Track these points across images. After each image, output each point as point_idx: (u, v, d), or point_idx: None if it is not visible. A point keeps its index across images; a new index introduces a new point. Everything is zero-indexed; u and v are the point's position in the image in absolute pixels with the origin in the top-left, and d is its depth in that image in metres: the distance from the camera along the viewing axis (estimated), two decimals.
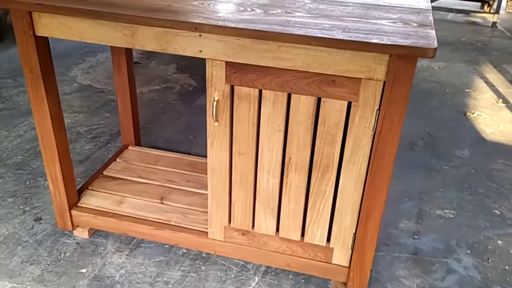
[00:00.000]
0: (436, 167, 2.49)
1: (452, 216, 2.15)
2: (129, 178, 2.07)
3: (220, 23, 1.30)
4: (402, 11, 1.48)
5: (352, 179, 1.48)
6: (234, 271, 1.80)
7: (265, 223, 1.65)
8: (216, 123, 1.50)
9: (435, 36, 1.26)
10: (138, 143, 2.33)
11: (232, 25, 1.29)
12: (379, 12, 1.46)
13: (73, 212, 1.87)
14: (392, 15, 1.44)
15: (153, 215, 1.85)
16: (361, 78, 1.31)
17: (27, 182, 2.25)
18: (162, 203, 1.92)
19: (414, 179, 2.39)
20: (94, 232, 1.95)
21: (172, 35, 1.38)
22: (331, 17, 1.38)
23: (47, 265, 1.80)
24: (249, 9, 1.42)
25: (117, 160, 2.19)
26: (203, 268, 1.81)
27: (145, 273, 1.78)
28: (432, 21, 1.40)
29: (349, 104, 1.37)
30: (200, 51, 1.38)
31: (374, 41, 1.21)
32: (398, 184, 2.32)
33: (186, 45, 1.39)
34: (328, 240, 1.63)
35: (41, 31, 1.49)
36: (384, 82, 1.29)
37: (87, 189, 1.99)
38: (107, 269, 1.79)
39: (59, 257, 1.84)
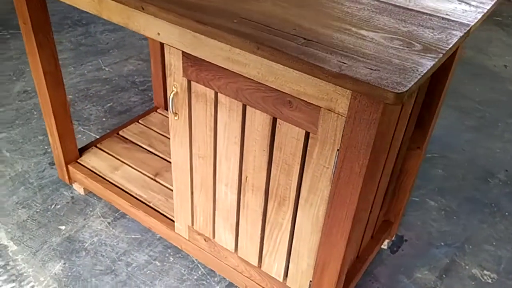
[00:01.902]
0: (505, 213, 1.99)
1: (489, 281, 1.70)
2: (139, 143, 1.99)
3: (165, 6, 1.08)
4: (423, 22, 1.09)
5: (309, 221, 1.20)
6: (199, 273, 1.65)
7: (225, 237, 1.46)
8: (175, 117, 1.31)
9: (423, 72, 0.89)
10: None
11: (179, 11, 1.06)
12: (389, 19, 1.09)
13: (70, 167, 1.86)
14: (402, 26, 1.07)
15: (138, 191, 1.76)
16: (320, 107, 1.00)
17: None
18: (154, 180, 1.81)
19: (468, 220, 1.94)
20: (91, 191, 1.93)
21: (130, 11, 1.20)
22: (316, 17, 1.07)
23: (35, 213, 1.84)
24: None
25: (139, 121, 2.13)
26: (171, 259, 1.70)
27: (114, 248, 1.72)
28: (453, 43, 1.01)
29: (308, 134, 1.07)
30: (158, 34, 1.18)
31: (326, 66, 0.89)
32: (444, 221, 1.91)
33: (145, 24, 1.20)
34: (286, 276, 1.38)
35: None
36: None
37: (95, 146, 1.96)
38: (83, 232, 1.77)
39: (49, 207, 1.86)
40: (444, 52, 0.97)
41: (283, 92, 1.04)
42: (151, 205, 1.71)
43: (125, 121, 2.34)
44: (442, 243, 1.83)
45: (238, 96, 1.13)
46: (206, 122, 1.25)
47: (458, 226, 1.91)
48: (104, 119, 2.38)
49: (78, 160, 1.89)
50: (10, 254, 1.68)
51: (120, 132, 2.05)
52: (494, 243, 1.85)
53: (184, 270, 1.66)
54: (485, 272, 1.73)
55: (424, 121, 1.45)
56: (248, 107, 1.13)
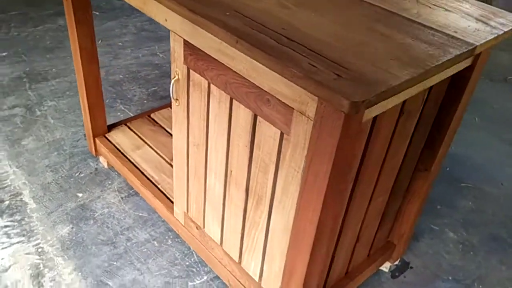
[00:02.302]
0: None
1: None
2: (165, 127, 2.06)
3: None
4: (424, 36, 1.04)
5: (281, 224, 1.18)
6: (191, 260, 1.69)
7: (213, 228, 1.48)
8: (176, 104, 1.35)
9: (390, 86, 0.85)
10: None
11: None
12: (390, 30, 1.05)
13: (97, 140, 1.97)
14: (399, 38, 1.02)
15: (151, 172, 1.83)
16: (293, 109, 0.99)
17: (107, 100, 2.45)
18: (169, 163, 1.87)
19: (486, 258, 1.80)
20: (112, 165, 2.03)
21: None
22: (313, 20, 1.06)
23: (59, 177, 1.96)
24: None
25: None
26: (169, 242, 1.75)
27: (120, 222, 1.80)
28: (443, 61, 0.95)
29: (283, 135, 1.06)
30: (166, 20, 1.23)
31: (293, 67, 0.88)
32: (459, 255, 1.79)
33: (156, 10, 1.25)
34: (262, 276, 1.38)
35: None
36: None
37: (125, 124, 2.06)
38: (97, 202, 1.87)
39: (73, 174, 1.99)
40: (427, 68, 0.92)
41: (263, 89, 1.04)
42: (159, 187, 1.77)
43: (162, 104, 2.43)
44: (450, 277, 1.72)
45: (227, 89, 1.14)
46: (200, 111, 1.28)
47: (473, 262, 1.78)
48: (145, 101, 2.48)
49: (106, 135, 1.99)
50: (28, 211, 1.81)
51: (152, 115, 2.13)
52: (509, 287, 1.71)
53: (178, 255, 1.70)
54: None
55: (434, 142, 1.37)
56: (234, 101, 1.15)
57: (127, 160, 1.88)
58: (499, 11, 1.20)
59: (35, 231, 1.74)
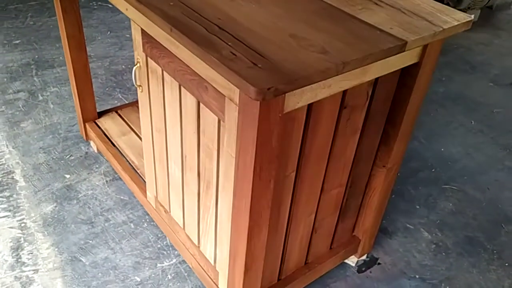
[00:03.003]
0: (505, 263, 1.81)
1: None
2: None
3: None
4: (355, 32, 1.06)
5: (226, 209, 1.23)
6: (163, 243, 1.75)
7: (176, 212, 1.54)
8: (140, 90, 1.42)
9: (299, 76, 0.89)
10: None
11: None
12: (330, 25, 1.08)
13: (87, 125, 2.06)
14: (335, 33, 1.05)
15: (133, 157, 1.91)
16: (225, 96, 1.04)
17: (106, 89, 2.55)
18: None
19: (457, 260, 1.79)
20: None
21: None
22: (257, 13, 1.10)
23: (51, 159, 2.07)
24: None
25: None
26: (145, 225, 1.82)
27: (101, 203, 1.89)
28: (365, 56, 0.98)
29: (220, 121, 1.11)
30: (127, 9, 1.29)
31: (213, 54, 0.93)
32: (430, 255, 1.79)
33: (117, 0, 1.31)
34: (216, 259, 1.43)
35: None
36: None
37: (115, 111, 2.15)
38: (82, 184, 1.97)
39: (64, 157, 2.09)
40: (345, 61, 0.95)
41: (202, 77, 1.09)
42: (138, 171, 1.85)
43: None
44: (417, 276, 1.72)
45: (176, 76, 1.20)
46: (158, 98, 1.34)
47: (443, 263, 1.78)
48: None
49: (96, 120, 2.09)
50: (17, 188, 1.92)
51: None
52: None
53: (152, 238, 1.78)
54: None
55: (389, 139, 1.39)
56: (182, 88, 1.20)
57: (111, 145, 1.96)
58: (448, 9, 1.20)
59: (21, 207, 1.85)
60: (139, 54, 1.34)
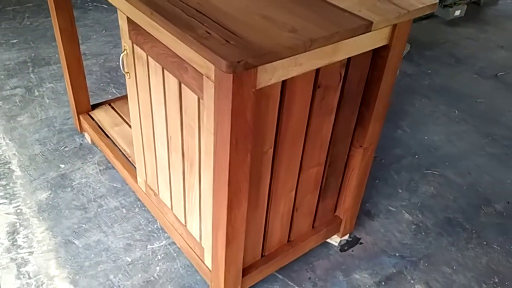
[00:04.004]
0: (483, 242, 1.88)
1: None
2: None
3: None
4: (326, 15, 1.14)
5: (208, 185, 1.31)
6: (154, 226, 1.83)
7: (165, 193, 1.61)
8: (128, 77, 1.50)
9: (267, 52, 0.97)
10: None
11: None
12: (305, 11, 1.16)
13: (81, 118, 2.14)
14: (305, 14, 1.13)
15: (125, 146, 1.98)
16: (202, 74, 1.12)
17: (101, 84, 2.63)
18: None
19: (436, 239, 1.87)
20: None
21: None
22: None
23: (46, 150, 2.15)
24: None
25: None
26: (136, 210, 1.90)
27: (94, 191, 1.97)
28: (332, 35, 1.06)
29: (199, 100, 1.19)
30: None
31: (188, 33, 1.01)
32: (410, 235, 1.86)
33: None
34: (201, 236, 1.50)
35: None
36: None
37: (108, 104, 2.23)
38: (76, 173, 2.04)
39: (59, 148, 2.17)
40: (313, 38, 1.03)
41: (182, 58, 1.17)
42: (130, 159, 1.92)
43: None
44: (397, 254, 1.80)
45: (159, 59, 1.28)
46: (144, 83, 1.42)
47: (422, 242, 1.85)
48: None
49: (89, 113, 2.17)
50: (14, 177, 2.00)
51: None
52: (454, 267, 1.77)
53: (143, 222, 1.85)
54: None
55: (364, 119, 1.46)
56: (165, 71, 1.28)
57: (104, 135, 2.04)
58: None
59: (17, 195, 1.92)
60: (125, 42, 1.42)
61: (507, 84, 2.92)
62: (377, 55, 1.33)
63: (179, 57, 1.17)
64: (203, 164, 1.29)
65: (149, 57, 1.33)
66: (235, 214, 1.26)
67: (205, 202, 1.37)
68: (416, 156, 2.29)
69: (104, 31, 3.16)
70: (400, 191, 2.09)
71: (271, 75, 1.07)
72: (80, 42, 2.96)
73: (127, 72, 1.48)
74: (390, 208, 2.00)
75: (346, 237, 1.83)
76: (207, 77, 1.09)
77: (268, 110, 1.18)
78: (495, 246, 1.86)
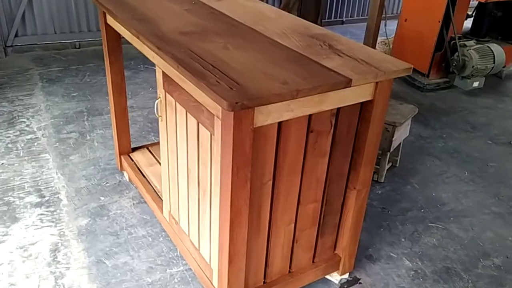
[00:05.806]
0: None
1: None
2: None
3: (142, 36, 1.61)
4: (316, 73, 1.42)
5: (217, 209, 1.55)
6: (174, 254, 2.07)
7: (184, 221, 1.87)
8: (160, 120, 1.81)
9: (262, 97, 1.25)
10: None
11: (155, 42, 1.59)
12: (292, 66, 1.45)
13: (122, 158, 2.48)
14: (297, 71, 1.42)
15: (156, 183, 2.28)
16: (213, 114, 1.40)
17: (143, 132, 2.99)
18: None
19: (433, 286, 2.00)
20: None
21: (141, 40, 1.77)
22: (238, 55, 1.49)
23: (90, 185, 2.48)
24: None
25: None
26: (160, 239, 2.15)
27: (127, 220, 2.25)
28: (314, 87, 1.33)
29: (211, 135, 1.47)
30: (153, 57, 1.72)
31: (201, 81, 1.31)
32: (407, 280, 2.01)
33: (147, 51, 1.75)
34: (211, 258, 1.73)
35: (108, 21, 2.10)
36: None
37: (146, 147, 2.56)
38: (113, 205, 2.34)
39: (101, 183, 2.50)
40: (299, 89, 1.31)
41: (200, 102, 1.47)
42: (159, 194, 2.21)
43: None
44: None
45: (183, 104, 1.59)
46: (172, 124, 1.72)
47: (419, 287, 1.98)
48: None
49: (129, 154, 2.50)
50: (61, 205, 2.32)
51: None
52: None
53: (165, 249, 2.10)
54: None
55: (356, 164, 1.69)
56: (188, 113, 1.58)
57: (140, 173, 2.35)
58: (397, 61, 1.54)
59: (62, 220, 2.23)
60: (160, 91, 1.75)
61: None
62: (364, 109, 1.58)
63: (198, 101, 1.47)
64: (213, 192, 1.55)
65: (176, 103, 1.64)
66: (236, 235, 1.49)
67: (214, 226, 1.61)
68: (422, 210, 2.45)
69: (150, 88, 3.58)
70: (403, 240, 2.24)
71: (266, 116, 1.34)
72: (129, 96, 3.39)
73: (160, 116, 1.80)
74: (392, 254, 2.15)
75: (347, 276, 1.99)
76: (217, 117, 1.38)
77: (267, 147, 1.44)
78: None
